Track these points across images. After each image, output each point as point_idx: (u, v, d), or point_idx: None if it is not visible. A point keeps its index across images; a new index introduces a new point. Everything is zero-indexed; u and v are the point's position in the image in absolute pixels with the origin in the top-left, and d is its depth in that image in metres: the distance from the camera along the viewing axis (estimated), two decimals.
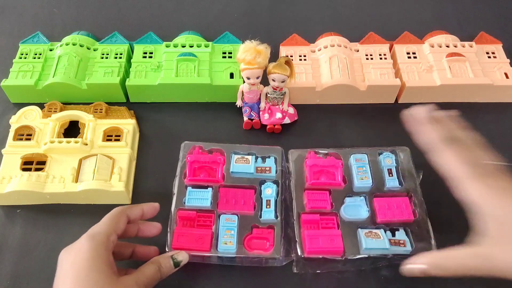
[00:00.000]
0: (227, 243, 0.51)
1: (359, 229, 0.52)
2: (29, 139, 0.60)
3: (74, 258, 0.42)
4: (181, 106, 0.69)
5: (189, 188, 0.55)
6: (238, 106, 0.67)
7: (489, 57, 0.71)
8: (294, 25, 0.81)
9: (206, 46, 0.71)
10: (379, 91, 0.68)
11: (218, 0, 0.86)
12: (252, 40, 0.60)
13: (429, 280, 0.45)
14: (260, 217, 0.53)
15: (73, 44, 0.70)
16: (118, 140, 0.61)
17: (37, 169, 0.57)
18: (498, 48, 0.72)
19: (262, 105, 0.66)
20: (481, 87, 0.68)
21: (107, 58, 0.70)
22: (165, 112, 0.68)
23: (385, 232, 0.52)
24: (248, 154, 0.58)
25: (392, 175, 0.56)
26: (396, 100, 0.70)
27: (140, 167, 0.62)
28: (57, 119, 0.62)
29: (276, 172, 0.57)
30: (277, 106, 0.66)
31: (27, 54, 0.70)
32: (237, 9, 0.85)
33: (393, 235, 0.52)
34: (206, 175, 0.57)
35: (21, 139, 0.60)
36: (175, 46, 0.70)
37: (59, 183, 0.56)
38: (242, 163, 0.57)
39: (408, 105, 0.69)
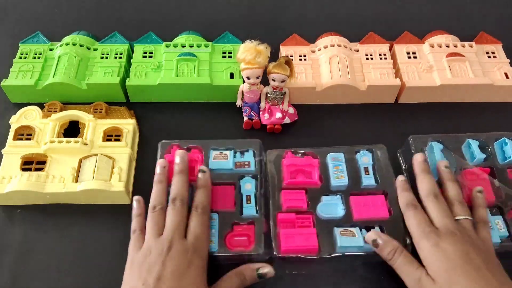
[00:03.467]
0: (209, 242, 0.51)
1: (335, 228, 0.52)
2: (29, 139, 0.60)
3: None
4: (181, 106, 0.69)
5: (169, 188, 0.54)
6: (238, 106, 0.67)
7: (489, 57, 0.71)
8: (294, 25, 0.81)
9: (206, 46, 0.71)
10: (379, 91, 0.68)
11: (218, 0, 0.86)
12: (252, 40, 0.60)
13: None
14: (241, 213, 0.53)
15: (73, 44, 0.70)
16: (118, 140, 0.61)
17: (37, 169, 0.57)
18: (498, 48, 0.72)
19: (262, 105, 0.66)
20: (481, 87, 0.68)
21: (107, 58, 0.70)
22: (165, 112, 0.68)
23: (361, 230, 0.52)
24: (227, 149, 0.58)
25: (368, 173, 0.56)
26: (396, 100, 0.70)
27: (140, 167, 0.62)
28: (57, 119, 0.62)
29: (255, 166, 0.57)
30: (277, 106, 0.66)
31: (27, 54, 0.70)
32: (237, 9, 0.85)
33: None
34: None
35: (21, 139, 0.60)
36: (175, 46, 0.70)
37: (59, 183, 0.56)
38: (220, 159, 0.57)
39: (408, 105, 0.69)
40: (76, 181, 0.56)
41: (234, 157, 0.57)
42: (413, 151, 0.57)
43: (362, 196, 0.55)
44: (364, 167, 0.57)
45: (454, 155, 0.57)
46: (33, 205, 0.58)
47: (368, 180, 0.56)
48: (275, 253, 0.51)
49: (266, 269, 0.49)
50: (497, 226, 0.53)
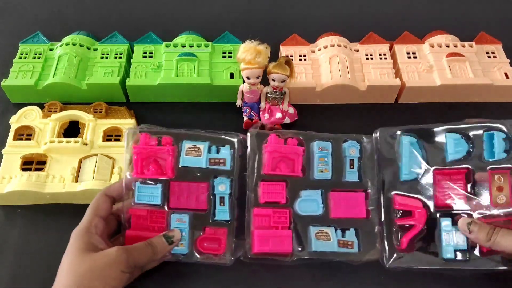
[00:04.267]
0: (179, 245, 0.50)
1: (311, 227, 0.51)
2: (29, 139, 0.60)
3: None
4: (181, 106, 0.69)
5: (137, 184, 0.51)
6: (238, 106, 0.67)
7: (489, 57, 0.71)
8: (294, 25, 0.81)
9: (206, 46, 0.71)
10: (379, 91, 0.68)
11: (218, 0, 0.86)
12: (252, 40, 0.60)
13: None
14: (214, 216, 0.51)
15: (73, 44, 0.70)
16: (118, 140, 0.61)
17: (37, 169, 0.57)
18: (498, 48, 0.72)
19: (262, 105, 0.66)
20: (481, 87, 0.68)
21: (107, 58, 0.70)
22: (165, 112, 0.68)
23: (336, 231, 0.52)
24: (201, 142, 0.53)
25: (353, 167, 0.54)
26: (396, 100, 0.70)
27: None
28: (57, 119, 0.62)
29: (231, 165, 0.53)
30: (277, 106, 0.66)
31: (27, 54, 0.70)
32: (237, 9, 0.85)
33: (343, 235, 0.52)
34: (156, 168, 0.52)
35: (21, 139, 0.60)
36: (175, 46, 0.70)
37: (59, 183, 0.56)
38: (193, 155, 0.52)
39: (408, 105, 0.69)
40: (76, 181, 0.56)
41: (209, 152, 0.53)
42: (378, 146, 0.54)
43: (342, 192, 0.53)
44: (350, 160, 0.55)
45: (429, 151, 0.52)
46: (33, 205, 0.58)
47: (351, 175, 0.54)
48: (246, 252, 0.50)
49: (172, 233, 0.49)
50: (456, 239, 0.50)
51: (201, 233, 0.51)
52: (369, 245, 0.51)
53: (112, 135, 0.61)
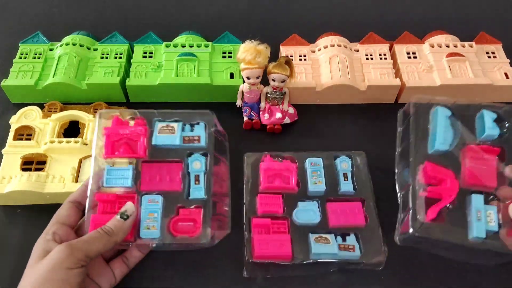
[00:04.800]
0: (150, 228, 0.46)
1: (310, 234, 0.52)
2: (29, 139, 0.60)
3: None
4: (181, 106, 0.69)
5: (106, 167, 0.49)
6: (238, 106, 0.67)
7: (489, 57, 0.71)
8: (294, 25, 0.81)
9: (206, 46, 0.71)
10: (379, 91, 0.68)
11: (218, 0, 0.86)
12: (252, 40, 0.60)
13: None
14: (188, 195, 0.48)
15: (73, 44, 0.70)
16: None
17: (37, 169, 0.57)
18: (498, 48, 0.72)
19: (262, 105, 0.66)
20: (481, 87, 0.68)
21: (107, 58, 0.70)
22: None
23: (336, 237, 0.52)
24: (175, 121, 0.51)
25: (347, 180, 0.55)
26: (396, 100, 0.70)
27: None
28: (57, 119, 0.62)
29: (206, 141, 0.51)
30: (277, 106, 0.66)
31: (27, 54, 0.70)
32: (237, 9, 0.85)
33: (344, 240, 0.52)
34: (127, 149, 0.50)
35: (21, 139, 0.60)
36: (175, 46, 0.70)
37: (59, 183, 0.56)
38: (167, 133, 0.50)
39: None
40: (76, 181, 0.56)
41: (183, 130, 0.51)
42: (411, 116, 0.52)
43: (338, 202, 0.54)
44: (343, 173, 0.56)
45: (462, 126, 0.51)
46: (33, 205, 0.58)
47: (346, 186, 0.55)
48: (247, 258, 0.50)
49: (123, 208, 0.46)
50: (487, 218, 0.47)
51: (174, 214, 0.48)
52: (372, 249, 0.51)
53: None
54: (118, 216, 0.45)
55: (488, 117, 0.50)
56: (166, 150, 0.50)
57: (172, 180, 0.49)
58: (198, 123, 0.52)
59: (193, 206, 0.48)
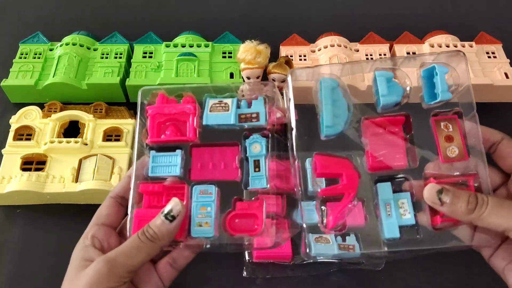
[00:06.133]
0: (203, 225, 0.39)
1: (310, 234, 0.51)
2: (29, 139, 0.60)
3: None
4: None
5: (152, 153, 0.42)
6: None
7: (489, 57, 0.71)
8: (294, 25, 0.81)
9: (206, 46, 0.71)
10: None
11: (218, 0, 0.86)
12: (252, 40, 0.60)
13: None
14: (247, 185, 0.41)
15: (73, 44, 0.70)
16: (118, 140, 0.61)
17: (37, 169, 0.57)
18: (498, 48, 0.72)
19: None
20: (481, 87, 0.68)
21: (107, 58, 0.70)
22: None
23: (336, 237, 0.51)
24: (229, 97, 0.44)
25: None
26: None
27: None
28: (57, 119, 0.62)
29: (266, 119, 0.42)
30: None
31: (27, 54, 0.70)
32: (237, 9, 0.85)
33: (344, 240, 0.52)
34: (174, 132, 0.43)
35: (21, 139, 0.60)
36: (175, 46, 0.70)
37: (59, 183, 0.56)
38: (219, 111, 0.43)
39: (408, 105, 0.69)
40: (76, 181, 0.57)
41: (238, 107, 0.43)
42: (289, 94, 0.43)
43: (338, 202, 0.54)
44: None
45: (356, 95, 0.42)
46: (33, 205, 0.58)
47: None
48: (247, 258, 0.50)
49: (168, 206, 0.37)
50: (400, 210, 0.39)
51: (231, 209, 0.40)
52: (374, 248, 0.51)
53: (112, 135, 0.61)
54: (162, 217, 0.37)
55: (382, 78, 0.41)
56: (219, 132, 0.43)
57: (228, 167, 0.42)
58: (256, 98, 0.43)
59: (253, 198, 0.41)
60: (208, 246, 0.40)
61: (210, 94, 0.44)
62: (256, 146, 0.42)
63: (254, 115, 0.43)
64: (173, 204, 0.38)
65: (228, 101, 0.43)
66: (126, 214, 0.41)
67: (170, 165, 0.41)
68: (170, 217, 0.37)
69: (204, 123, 0.42)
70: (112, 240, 0.40)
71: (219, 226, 0.39)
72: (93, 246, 0.39)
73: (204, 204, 0.40)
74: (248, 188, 0.41)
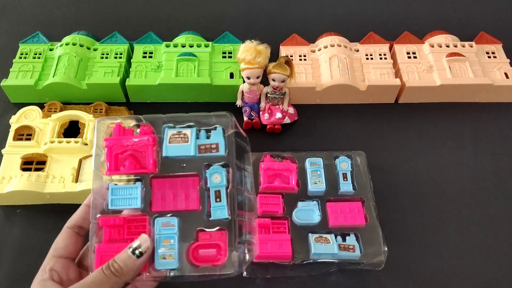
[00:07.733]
0: (166, 257, 0.39)
1: (310, 234, 0.52)
2: (29, 139, 0.60)
3: None
4: (181, 106, 0.69)
5: (111, 185, 0.41)
6: (238, 106, 0.67)
7: (489, 57, 0.71)
8: (294, 25, 0.81)
9: (206, 46, 0.71)
10: (379, 91, 0.68)
11: (218, 0, 0.86)
12: (252, 40, 0.60)
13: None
14: (209, 216, 0.40)
15: (73, 44, 0.70)
16: None
17: (37, 169, 0.57)
18: (498, 48, 0.72)
19: (262, 105, 0.66)
20: (481, 87, 0.68)
21: (107, 58, 0.70)
22: (165, 112, 0.67)
23: (336, 237, 0.52)
24: (187, 127, 0.43)
25: (346, 179, 0.56)
26: (396, 100, 0.70)
27: None
28: (57, 119, 0.62)
29: (225, 149, 0.42)
30: (277, 106, 0.66)
31: (27, 54, 0.70)
32: (237, 9, 0.85)
33: (344, 240, 0.52)
34: (133, 163, 0.42)
35: (21, 139, 0.60)
36: (175, 46, 0.70)
37: (59, 183, 0.56)
38: (179, 142, 0.42)
39: (408, 105, 0.69)
40: (76, 181, 0.56)
41: (198, 138, 0.43)
42: None
43: (338, 202, 0.54)
44: (343, 173, 0.56)
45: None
46: (33, 205, 0.58)
47: (346, 186, 0.55)
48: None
49: (136, 241, 0.37)
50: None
51: (194, 240, 0.40)
52: (372, 249, 0.51)
53: None
54: (130, 251, 0.37)
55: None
56: (179, 162, 0.42)
57: (189, 198, 0.41)
58: (214, 128, 0.43)
59: (215, 229, 0.40)
60: (172, 274, 0.39)
61: (168, 124, 0.43)
62: (217, 177, 0.42)
63: (213, 146, 0.42)
64: (142, 240, 0.38)
65: (187, 131, 0.43)
66: (84, 244, 0.42)
67: (131, 197, 0.41)
68: (138, 253, 0.37)
69: (164, 155, 0.42)
70: (71, 272, 0.39)
71: (183, 257, 0.39)
72: (52, 280, 0.38)
73: (167, 236, 0.39)
74: (210, 218, 0.40)
